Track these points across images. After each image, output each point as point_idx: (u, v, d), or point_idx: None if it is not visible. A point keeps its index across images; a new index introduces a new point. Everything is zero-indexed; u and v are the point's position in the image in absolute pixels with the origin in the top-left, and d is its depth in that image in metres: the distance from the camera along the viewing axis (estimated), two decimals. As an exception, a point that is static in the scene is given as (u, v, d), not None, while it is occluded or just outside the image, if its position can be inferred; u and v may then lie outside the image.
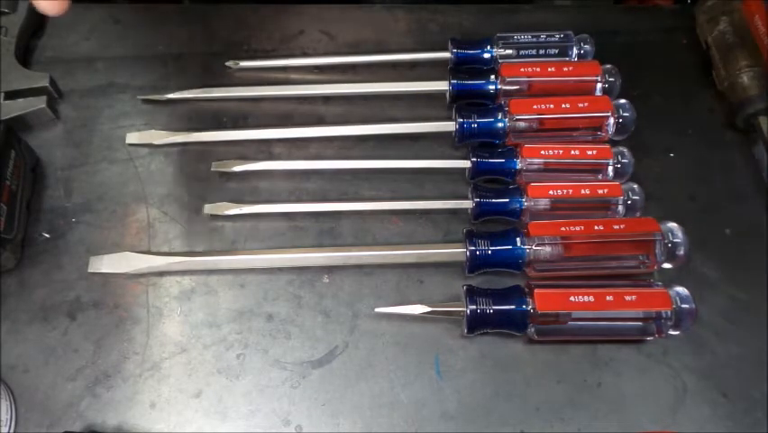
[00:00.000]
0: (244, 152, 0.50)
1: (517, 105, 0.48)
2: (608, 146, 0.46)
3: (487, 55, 0.52)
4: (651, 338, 0.42)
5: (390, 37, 0.57)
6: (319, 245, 0.46)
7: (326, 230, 0.47)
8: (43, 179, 0.48)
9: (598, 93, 0.49)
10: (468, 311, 0.40)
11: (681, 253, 0.42)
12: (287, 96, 0.53)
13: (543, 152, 0.46)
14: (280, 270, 0.45)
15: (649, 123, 0.52)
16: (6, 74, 0.50)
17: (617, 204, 0.45)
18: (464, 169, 0.48)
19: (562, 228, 0.42)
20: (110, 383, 0.41)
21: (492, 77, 0.50)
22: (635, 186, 0.45)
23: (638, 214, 0.45)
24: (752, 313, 0.44)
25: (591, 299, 0.39)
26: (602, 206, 0.45)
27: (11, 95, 0.49)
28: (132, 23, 0.57)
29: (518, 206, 0.45)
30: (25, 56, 0.53)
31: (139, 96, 0.52)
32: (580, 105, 0.47)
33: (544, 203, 0.45)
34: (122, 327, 0.42)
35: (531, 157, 0.46)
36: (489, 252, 0.43)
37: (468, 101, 0.51)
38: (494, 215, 0.46)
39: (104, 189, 0.48)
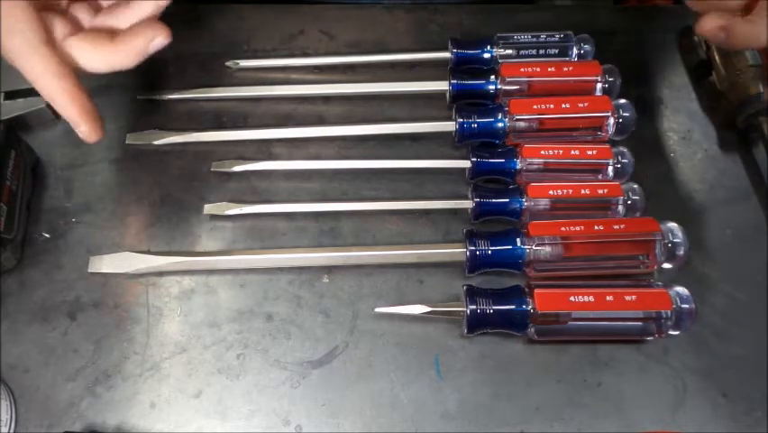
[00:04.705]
0: (244, 151, 0.50)
1: (517, 105, 0.48)
2: (608, 146, 0.46)
3: (487, 55, 0.52)
4: (651, 338, 0.42)
5: (390, 37, 0.57)
6: (319, 245, 0.46)
7: (326, 230, 0.47)
8: (43, 179, 0.48)
9: (598, 93, 0.49)
10: (468, 311, 0.40)
11: (681, 253, 0.42)
12: (287, 96, 0.53)
13: (543, 152, 0.46)
14: (280, 270, 0.45)
15: (649, 123, 0.52)
16: (6, 74, 0.50)
17: (617, 204, 0.45)
18: (464, 169, 0.48)
19: (562, 228, 0.42)
20: (110, 383, 0.41)
21: (492, 77, 0.50)
22: (635, 186, 0.45)
23: (638, 214, 0.45)
24: (752, 313, 0.44)
25: (591, 299, 0.39)
26: (602, 206, 0.45)
27: (11, 95, 0.49)
28: (132, 23, 0.57)
29: (518, 206, 0.45)
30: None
31: (139, 96, 0.52)
32: (580, 105, 0.47)
33: (543, 203, 0.45)
34: (122, 327, 0.42)
35: (531, 157, 0.46)
36: (489, 252, 0.43)
37: (468, 101, 0.51)
38: (494, 215, 0.46)
39: (104, 189, 0.48)
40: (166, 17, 0.58)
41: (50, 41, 0.35)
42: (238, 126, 0.51)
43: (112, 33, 0.37)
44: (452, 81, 0.51)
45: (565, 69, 0.50)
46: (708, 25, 0.40)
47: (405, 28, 0.57)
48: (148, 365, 0.41)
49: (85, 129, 0.37)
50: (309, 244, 0.46)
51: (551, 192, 0.45)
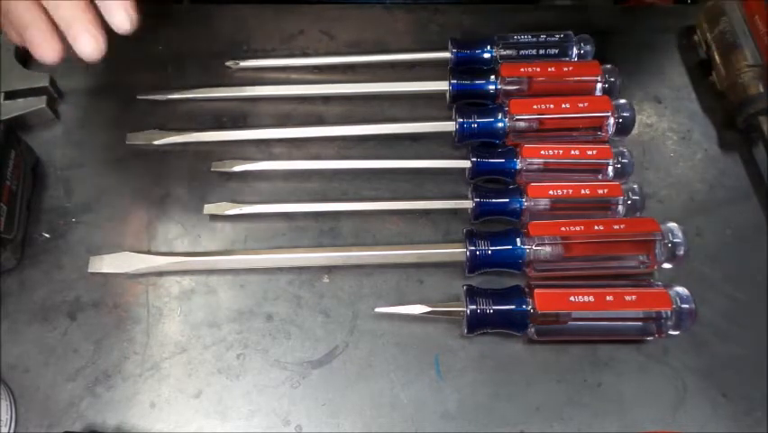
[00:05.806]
0: (244, 152, 0.50)
1: (517, 105, 0.48)
2: (608, 146, 0.46)
3: (487, 55, 0.52)
4: (651, 338, 0.42)
5: (390, 37, 0.57)
6: (319, 245, 0.46)
7: (326, 230, 0.47)
8: (43, 179, 0.48)
9: (598, 93, 0.49)
10: (468, 311, 0.40)
11: (681, 253, 0.42)
12: (287, 96, 0.53)
13: (543, 152, 0.46)
14: (280, 270, 0.45)
15: (649, 123, 0.52)
16: (6, 74, 0.50)
17: (617, 204, 0.45)
18: (464, 169, 0.48)
19: (562, 228, 0.42)
20: (110, 383, 0.41)
21: (492, 77, 0.50)
22: (635, 186, 0.45)
23: (638, 214, 0.45)
24: (752, 313, 0.44)
25: (591, 299, 0.39)
26: (602, 206, 0.45)
27: (11, 95, 0.49)
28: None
29: (518, 206, 0.45)
30: (25, 56, 0.53)
31: (139, 96, 0.52)
32: (580, 105, 0.47)
33: (543, 203, 0.45)
34: (122, 327, 0.42)
35: (531, 157, 0.46)
36: (489, 252, 0.43)
37: (468, 101, 0.51)
38: (494, 215, 0.46)
39: (104, 189, 0.48)
40: (167, 17, 0.59)
41: None
42: (238, 126, 0.51)
43: None
44: (452, 81, 0.51)
45: (565, 69, 0.50)
46: None
47: (405, 28, 0.57)
48: (148, 365, 0.41)
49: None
50: (309, 244, 0.46)
51: (551, 192, 0.45)
